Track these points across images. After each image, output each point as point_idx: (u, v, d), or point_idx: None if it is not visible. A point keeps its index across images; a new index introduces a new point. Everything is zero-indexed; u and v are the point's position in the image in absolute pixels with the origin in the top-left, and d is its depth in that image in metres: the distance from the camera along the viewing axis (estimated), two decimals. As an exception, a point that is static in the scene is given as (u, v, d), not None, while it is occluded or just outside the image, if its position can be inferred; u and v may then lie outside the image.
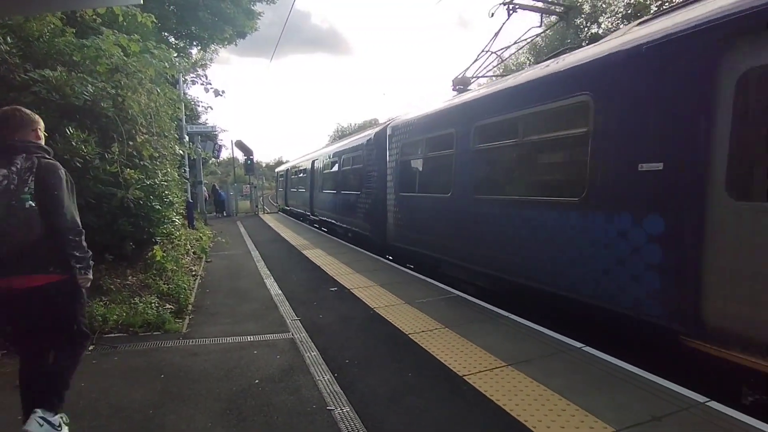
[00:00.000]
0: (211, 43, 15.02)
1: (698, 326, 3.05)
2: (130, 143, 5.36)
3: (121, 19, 5.70)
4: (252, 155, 24.23)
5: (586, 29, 22.93)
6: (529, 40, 6.96)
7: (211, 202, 22.54)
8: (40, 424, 2.31)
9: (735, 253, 2.85)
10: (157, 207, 5.75)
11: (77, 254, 2.35)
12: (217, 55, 18.85)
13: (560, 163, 4.64)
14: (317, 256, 8.48)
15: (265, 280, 6.51)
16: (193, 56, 15.55)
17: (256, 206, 23.59)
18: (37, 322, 2.39)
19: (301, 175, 18.44)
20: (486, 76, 7.15)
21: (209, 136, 18.62)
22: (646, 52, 3.40)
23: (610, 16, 22.14)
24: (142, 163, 5.57)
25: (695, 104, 3.06)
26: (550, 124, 4.47)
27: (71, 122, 4.58)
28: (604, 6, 22.33)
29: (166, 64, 6.25)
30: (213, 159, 24.04)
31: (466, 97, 6.17)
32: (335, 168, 12.48)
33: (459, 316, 4.45)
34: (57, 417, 2.40)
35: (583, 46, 4.64)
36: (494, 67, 7.08)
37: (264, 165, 66.71)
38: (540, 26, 6.64)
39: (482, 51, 6.91)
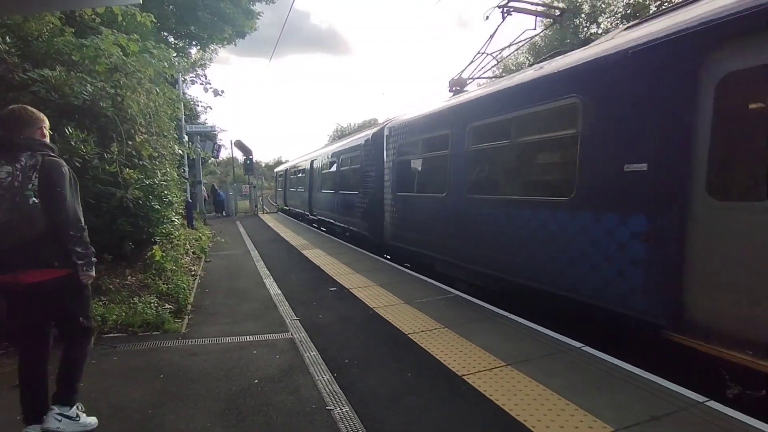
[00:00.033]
0: (210, 43, 15.00)
1: (680, 321, 3.17)
2: (130, 143, 5.35)
3: (120, 18, 5.69)
4: (251, 155, 24.21)
5: (585, 29, 22.95)
6: (523, 42, 7.02)
7: (210, 202, 22.52)
8: (58, 420, 2.43)
9: (715, 250, 2.97)
10: (157, 207, 5.75)
11: (79, 250, 2.40)
12: (216, 54, 18.82)
13: (550, 163, 4.74)
14: (317, 256, 8.48)
15: (265, 280, 6.51)
16: (193, 56, 15.57)
17: (256, 206, 23.58)
18: (43, 316, 2.46)
19: (300, 175, 18.46)
20: (482, 78, 7.19)
21: (208, 136, 18.60)
22: (632, 56, 3.51)
23: (610, 16, 22.16)
24: (141, 162, 5.56)
25: (677, 107, 3.17)
26: (541, 126, 4.57)
27: (70, 122, 4.57)
28: (603, 6, 22.35)
29: (166, 63, 6.25)
30: (212, 159, 23.98)
31: (461, 98, 6.26)
32: (333, 168, 12.52)
33: (458, 316, 4.46)
34: (73, 409, 2.50)
35: (574, 49, 4.72)
36: (492, 68, 7.11)
37: (263, 165, 66.68)
38: (535, 29, 6.66)
39: (478, 53, 6.98)
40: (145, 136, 5.76)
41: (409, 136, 7.56)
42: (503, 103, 5.07)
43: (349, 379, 3.14)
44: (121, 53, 5.40)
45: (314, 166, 15.49)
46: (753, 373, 2.73)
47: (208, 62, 17.81)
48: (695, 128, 3.05)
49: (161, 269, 5.87)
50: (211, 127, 18.50)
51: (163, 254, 6.08)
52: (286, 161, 32.37)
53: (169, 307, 4.82)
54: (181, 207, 8.79)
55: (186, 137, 13.84)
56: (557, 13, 7.28)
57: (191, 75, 16.86)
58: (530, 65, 5.72)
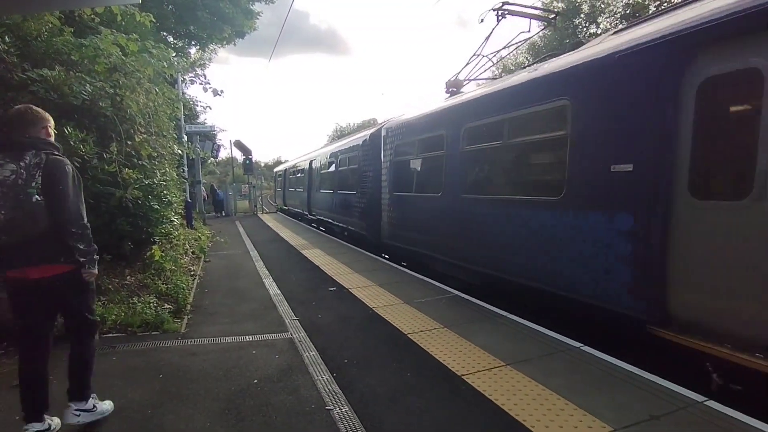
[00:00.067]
0: (209, 43, 15.00)
1: (663, 316, 3.28)
2: (129, 143, 5.35)
3: (119, 18, 5.69)
4: (251, 155, 24.17)
5: (585, 29, 22.97)
6: (517, 45, 7.10)
7: (209, 202, 22.51)
8: (77, 415, 2.54)
9: (696, 247, 3.09)
10: (156, 207, 5.75)
11: (81, 247, 2.45)
12: (215, 54, 18.81)
13: (541, 164, 4.84)
14: (316, 255, 8.48)
15: (264, 280, 6.50)
16: (192, 56, 15.55)
17: (255, 206, 23.57)
18: (46, 314, 2.52)
19: (299, 175, 18.49)
20: (478, 79, 7.24)
21: (208, 136, 18.59)
22: (618, 60, 3.62)
23: (609, 16, 22.17)
24: (140, 162, 5.56)
25: (661, 109, 3.26)
26: (533, 127, 4.68)
27: (69, 121, 4.57)
28: (602, 6, 22.36)
29: (165, 63, 6.24)
30: (212, 159, 23.96)
31: (456, 100, 6.34)
32: (332, 168, 12.57)
33: (458, 316, 4.46)
34: (89, 402, 2.60)
35: (566, 52, 4.81)
36: (488, 69, 7.16)
37: (263, 165, 66.63)
38: (528, 31, 6.71)
39: (474, 54, 7.04)
40: (145, 135, 5.76)
41: (405, 136, 7.65)
42: (496, 104, 5.18)
43: (349, 379, 3.14)
44: (120, 53, 5.40)
45: (313, 166, 15.52)
46: (736, 367, 2.81)
47: (207, 62, 17.83)
48: (678, 130, 3.17)
49: (160, 269, 5.86)
50: (211, 126, 18.53)
51: (163, 254, 6.06)
52: (286, 161, 32.37)
53: (168, 307, 4.82)
54: (181, 207, 8.79)
55: (185, 137, 13.84)
56: (551, 16, 7.36)
57: (190, 75, 16.88)
58: (529, 65, 5.75)
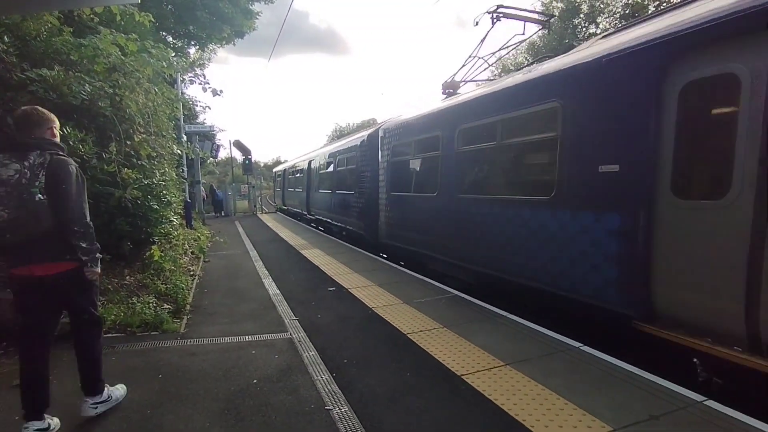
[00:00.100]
0: (209, 43, 15.00)
1: (648, 312, 3.40)
2: (128, 143, 5.34)
3: (118, 18, 5.68)
4: (250, 155, 24.13)
5: (584, 29, 22.99)
6: (512, 47, 7.15)
7: (209, 202, 22.49)
8: (94, 408, 2.62)
9: (679, 246, 3.20)
10: (155, 207, 5.74)
11: (83, 245, 2.48)
12: (215, 54, 18.80)
13: (533, 164, 4.92)
14: (315, 256, 8.48)
15: (264, 280, 6.50)
16: (191, 56, 15.51)
17: (255, 206, 23.56)
18: (48, 312, 2.55)
19: (298, 175, 18.51)
20: (474, 81, 7.27)
21: (207, 136, 18.56)
22: (605, 63, 3.71)
23: (608, 16, 22.20)
24: (139, 162, 5.56)
25: (645, 112, 3.36)
26: (525, 129, 4.76)
27: (69, 121, 4.55)
28: (602, 6, 22.38)
29: (164, 63, 6.24)
30: (211, 159, 23.91)
31: (451, 101, 6.40)
32: (330, 168, 12.62)
33: (457, 316, 4.46)
34: (105, 393, 2.68)
35: (558, 54, 4.88)
36: (484, 70, 7.22)
37: (262, 165, 66.62)
38: (523, 33, 6.74)
39: (469, 56, 7.08)
40: (144, 135, 5.75)
41: (402, 137, 7.71)
42: (490, 106, 5.25)
43: (348, 379, 3.14)
44: (119, 53, 5.39)
45: (312, 166, 15.54)
46: (721, 361, 2.88)
47: (206, 62, 17.81)
48: (661, 132, 3.27)
49: (160, 269, 5.86)
50: (210, 126, 18.51)
51: (162, 254, 6.06)
52: (285, 161, 32.36)
53: (167, 307, 4.81)
54: (180, 207, 8.77)
55: (185, 137, 13.82)
56: (545, 19, 7.42)
57: (190, 75, 16.87)
58: (528, 65, 5.77)
